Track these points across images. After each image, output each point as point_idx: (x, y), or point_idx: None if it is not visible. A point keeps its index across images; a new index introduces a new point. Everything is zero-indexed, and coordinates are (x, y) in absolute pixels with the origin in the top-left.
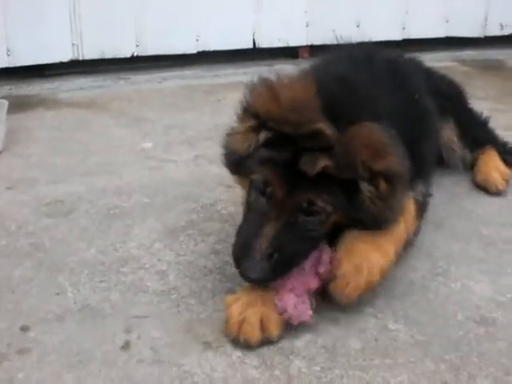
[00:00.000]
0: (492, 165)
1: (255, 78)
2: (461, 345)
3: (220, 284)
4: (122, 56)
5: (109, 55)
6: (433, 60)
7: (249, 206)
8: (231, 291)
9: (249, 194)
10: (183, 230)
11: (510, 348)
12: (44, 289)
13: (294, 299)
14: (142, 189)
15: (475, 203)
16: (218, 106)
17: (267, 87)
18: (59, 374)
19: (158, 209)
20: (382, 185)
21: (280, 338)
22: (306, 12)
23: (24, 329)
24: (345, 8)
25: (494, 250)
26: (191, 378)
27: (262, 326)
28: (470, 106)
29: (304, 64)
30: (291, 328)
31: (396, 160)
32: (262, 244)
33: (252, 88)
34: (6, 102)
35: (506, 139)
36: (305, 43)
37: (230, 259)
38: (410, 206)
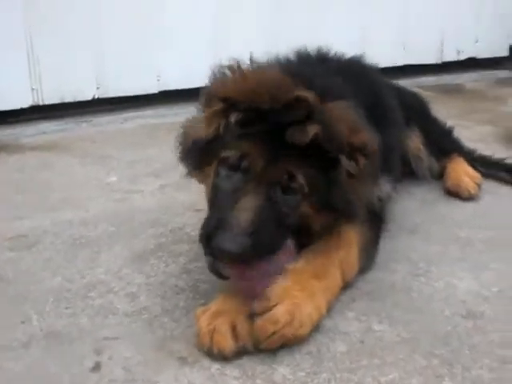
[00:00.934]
0: (461, 170)
1: (216, 68)
2: (450, 339)
3: (193, 301)
4: (82, 99)
5: (69, 98)
6: None
7: (216, 189)
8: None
9: (216, 175)
10: (152, 253)
11: (503, 339)
12: (8, 318)
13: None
14: (108, 218)
15: (448, 208)
16: None
17: (233, 72)
18: None
19: (125, 236)
20: (361, 159)
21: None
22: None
23: None
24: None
25: (473, 251)
26: None
27: (235, 335)
28: (434, 116)
29: None
30: None
31: (371, 137)
32: (241, 217)
33: (216, 75)
34: None
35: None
36: None
37: (202, 277)
38: (352, 245)
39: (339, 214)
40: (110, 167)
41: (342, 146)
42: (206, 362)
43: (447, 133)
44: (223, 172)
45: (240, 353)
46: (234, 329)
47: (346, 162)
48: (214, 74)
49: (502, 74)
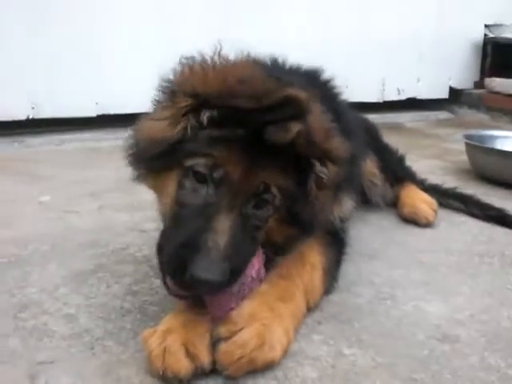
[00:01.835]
0: (417, 197)
1: (180, 62)
2: (429, 363)
3: (141, 323)
4: (16, 119)
5: (1, 118)
6: None
7: (179, 204)
8: None
9: (180, 188)
10: (92, 274)
11: (483, 362)
12: None
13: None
14: (41, 238)
15: (406, 234)
16: (122, 164)
17: (203, 66)
18: None
19: (61, 255)
20: (332, 167)
21: (213, 364)
22: None
23: None
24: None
25: (438, 274)
26: None
27: (189, 354)
28: (386, 142)
29: None
30: None
31: (343, 144)
32: (219, 240)
33: (181, 69)
34: None
35: None
36: None
37: (150, 298)
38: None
39: (300, 228)
40: (44, 187)
41: (318, 149)
42: None
43: (400, 159)
44: (189, 185)
45: (197, 375)
46: (187, 348)
47: (318, 168)
48: (176, 68)
49: (442, 115)
